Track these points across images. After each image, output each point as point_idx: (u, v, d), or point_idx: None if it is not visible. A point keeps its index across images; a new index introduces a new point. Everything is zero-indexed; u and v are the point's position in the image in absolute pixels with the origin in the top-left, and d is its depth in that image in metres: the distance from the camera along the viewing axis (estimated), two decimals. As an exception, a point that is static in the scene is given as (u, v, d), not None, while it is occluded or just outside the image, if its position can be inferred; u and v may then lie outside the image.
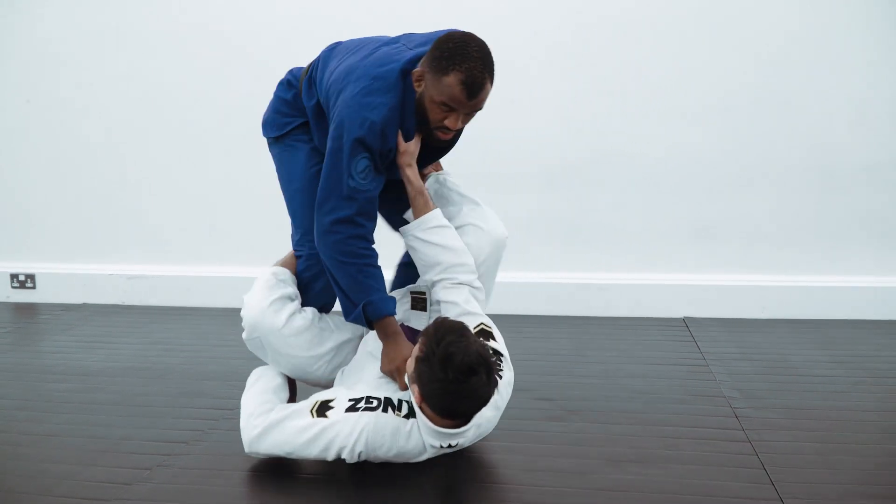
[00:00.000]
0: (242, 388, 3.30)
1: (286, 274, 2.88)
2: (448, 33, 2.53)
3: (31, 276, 4.94)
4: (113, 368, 3.66)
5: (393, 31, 4.33)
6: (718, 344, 3.92)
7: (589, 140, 4.39)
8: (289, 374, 2.88)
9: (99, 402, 3.23)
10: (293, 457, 2.54)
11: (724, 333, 4.10)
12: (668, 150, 4.36)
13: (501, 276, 4.41)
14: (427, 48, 2.58)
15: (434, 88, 2.47)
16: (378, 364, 2.70)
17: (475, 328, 2.62)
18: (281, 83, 2.91)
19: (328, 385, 2.83)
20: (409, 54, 2.59)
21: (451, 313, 2.66)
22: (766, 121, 4.28)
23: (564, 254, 4.50)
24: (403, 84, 2.54)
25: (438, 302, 2.74)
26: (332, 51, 2.81)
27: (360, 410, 2.47)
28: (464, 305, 2.68)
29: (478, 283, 2.75)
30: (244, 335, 2.84)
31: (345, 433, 2.45)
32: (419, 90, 2.53)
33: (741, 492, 2.44)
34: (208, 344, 4.05)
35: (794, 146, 4.29)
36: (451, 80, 2.43)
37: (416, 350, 2.44)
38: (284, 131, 2.85)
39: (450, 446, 2.51)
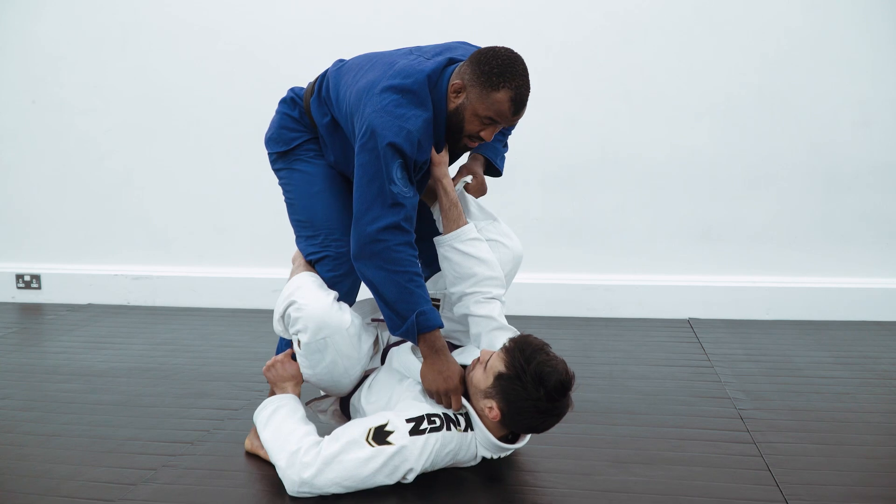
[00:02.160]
0: (247, 388, 3.33)
1: (315, 275, 2.70)
2: (489, 48, 2.51)
3: (36, 277, 4.95)
4: (118, 369, 3.66)
5: (395, 33, 4.36)
6: (723, 345, 3.92)
7: (594, 141, 4.40)
8: (324, 386, 2.70)
9: (104, 403, 3.24)
10: (350, 490, 2.38)
11: (729, 335, 4.10)
12: (673, 152, 4.36)
13: (506, 277, 4.45)
14: (443, 57, 2.58)
15: (480, 103, 2.48)
16: (408, 382, 2.63)
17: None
18: (284, 101, 2.86)
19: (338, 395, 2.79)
20: (430, 65, 2.55)
21: (486, 327, 2.67)
22: (770, 122, 4.28)
23: (569, 255, 4.50)
24: (432, 96, 2.52)
25: (466, 317, 2.71)
26: (340, 69, 2.74)
27: (425, 432, 2.41)
28: (499, 319, 2.68)
29: (505, 298, 2.74)
30: (305, 338, 2.56)
31: (414, 457, 2.38)
32: (457, 102, 2.51)
33: (746, 493, 2.43)
34: (213, 344, 4.05)
35: (799, 147, 4.29)
36: (502, 96, 2.46)
37: (494, 366, 2.42)
38: (292, 146, 2.80)
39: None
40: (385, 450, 2.36)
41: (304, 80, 2.96)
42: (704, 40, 4.27)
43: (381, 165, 2.44)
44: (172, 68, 4.65)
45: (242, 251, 4.75)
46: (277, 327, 2.69)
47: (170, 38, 4.63)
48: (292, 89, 2.87)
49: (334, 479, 2.36)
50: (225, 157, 4.68)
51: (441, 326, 2.54)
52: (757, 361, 3.68)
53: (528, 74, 2.50)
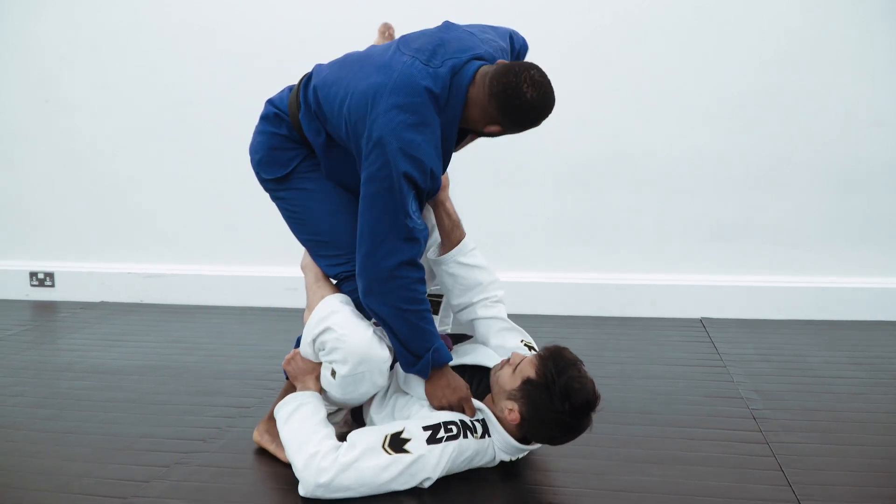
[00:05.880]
0: (259, 386, 3.33)
1: (346, 297, 2.63)
2: (514, 88, 2.33)
3: (49, 275, 4.97)
4: (130, 366, 3.67)
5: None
6: (736, 345, 3.90)
7: (605, 140, 4.39)
8: (342, 404, 2.68)
9: (116, 400, 3.25)
10: (364, 495, 2.37)
11: (742, 334, 4.08)
12: (685, 151, 4.34)
13: (519, 276, 4.45)
14: (451, 63, 2.40)
15: (511, 130, 2.46)
16: (413, 398, 2.61)
17: (520, 342, 2.74)
18: (267, 118, 2.70)
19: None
20: (438, 74, 2.38)
21: (494, 328, 2.76)
22: (782, 121, 4.26)
23: (581, 254, 4.49)
24: (443, 109, 2.39)
25: (472, 321, 2.79)
26: (325, 79, 2.56)
27: (443, 441, 2.40)
28: (508, 321, 2.79)
29: (504, 298, 2.84)
30: (343, 370, 2.47)
31: (431, 466, 2.38)
32: (492, 130, 2.45)
33: (759, 493, 2.43)
34: (225, 342, 4.06)
35: (811, 147, 4.26)
36: (537, 127, 2.46)
37: (524, 371, 2.41)
38: (291, 168, 2.65)
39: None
40: (402, 458, 2.36)
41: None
42: (716, 39, 4.24)
43: (394, 197, 2.34)
44: (184, 67, 4.65)
45: (255, 249, 4.75)
46: (307, 350, 2.60)
47: (181, 38, 4.63)
48: (270, 102, 2.72)
49: (350, 485, 2.35)
50: (237, 155, 4.64)
51: (450, 360, 2.52)
52: (770, 361, 3.66)
53: (553, 91, 2.40)
